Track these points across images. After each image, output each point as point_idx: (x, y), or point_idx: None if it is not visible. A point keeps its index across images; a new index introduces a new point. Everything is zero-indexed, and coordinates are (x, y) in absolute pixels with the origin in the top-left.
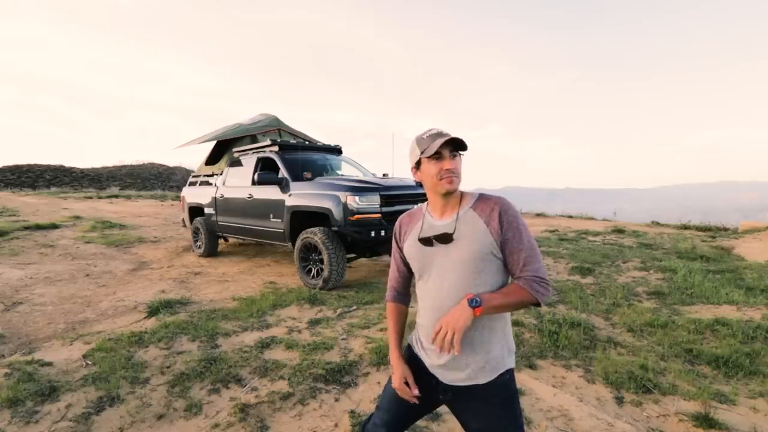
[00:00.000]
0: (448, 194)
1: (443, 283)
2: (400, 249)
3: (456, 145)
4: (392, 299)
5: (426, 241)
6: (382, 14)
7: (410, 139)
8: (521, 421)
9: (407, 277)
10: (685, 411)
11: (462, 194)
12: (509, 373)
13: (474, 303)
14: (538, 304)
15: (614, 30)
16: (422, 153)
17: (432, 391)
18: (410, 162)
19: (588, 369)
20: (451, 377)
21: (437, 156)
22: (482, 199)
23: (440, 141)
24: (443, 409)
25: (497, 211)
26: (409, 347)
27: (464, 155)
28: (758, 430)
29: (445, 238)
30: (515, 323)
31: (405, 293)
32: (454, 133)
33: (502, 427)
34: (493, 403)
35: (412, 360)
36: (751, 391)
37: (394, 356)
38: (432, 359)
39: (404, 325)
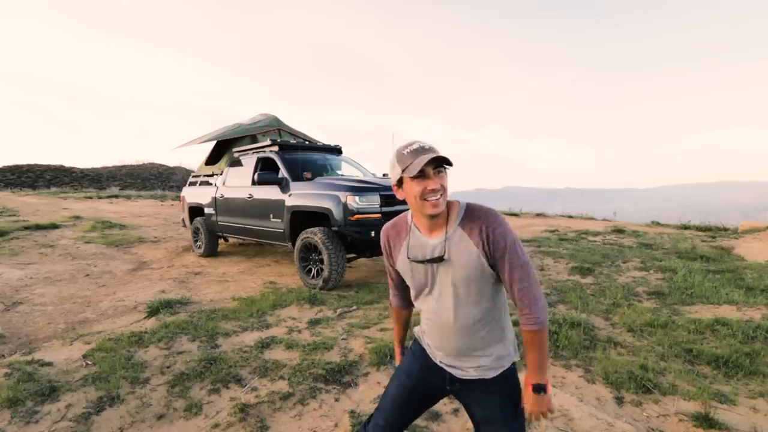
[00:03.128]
0: (433, 217)
1: (441, 300)
2: (393, 262)
3: (440, 161)
4: (396, 305)
5: (417, 261)
6: (382, 14)
7: (410, 139)
8: (522, 407)
9: (405, 285)
10: (685, 411)
11: (449, 205)
12: (513, 364)
13: (541, 390)
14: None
15: (614, 30)
16: (404, 171)
17: (441, 382)
18: (391, 178)
19: (588, 369)
20: (460, 373)
21: (420, 175)
22: (470, 214)
23: (423, 159)
24: (443, 408)
25: (485, 230)
26: (417, 341)
27: (450, 169)
28: (758, 430)
29: (437, 261)
30: (515, 323)
31: (406, 297)
32: (439, 149)
33: (507, 416)
34: (497, 392)
35: (419, 352)
36: (751, 391)
37: (397, 353)
38: (439, 358)
39: (408, 326)
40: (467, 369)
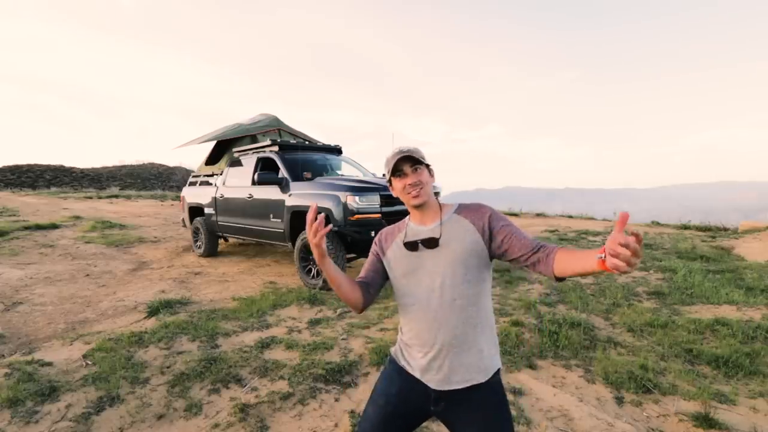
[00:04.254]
0: (418, 207)
1: (433, 284)
2: (382, 254)
3: (411, 159)
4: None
5: (411, 246)
6: (382, 14)
7: (410, 139)
8: (511, 418)
9: (375, 283)
10: (685, 411)
11: (441, 206)
12: (499, 372)
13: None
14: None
15: (613, 30)
16: (388, 172)
17: (423, 403)
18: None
19: (588, 369)
20: (445, 383)
21: (399, 173)
22: (465, 206)
23: (395, 159)
24: None
25: (480, 212)
26: (393, 361)
27: (430, 164)
28: (758, 430)
29: (432, 243)
30: (515, 323)
31: (367, 289)
32: (420, 150)
33: (498, 429)
34: (487, 406)
35: (397, 374)
36: (751, 391)
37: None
38: (425, 365)
39: (349, 286)
40: (456, 372)
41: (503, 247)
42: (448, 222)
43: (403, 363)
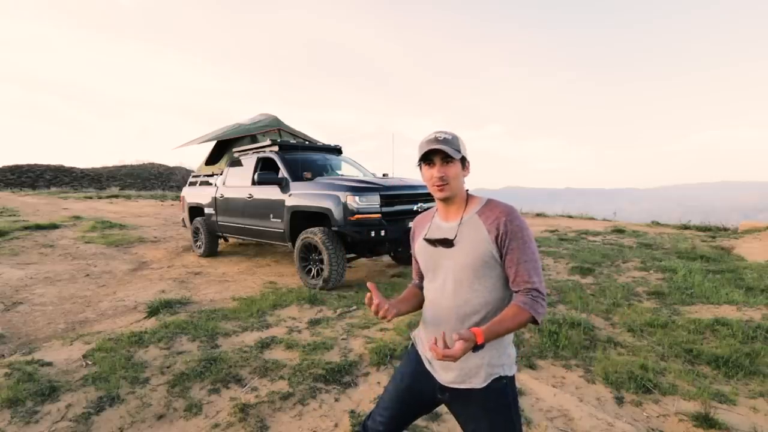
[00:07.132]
0: (443, 200)
1: (445, 284)
2: (413, 247)
3: (440, 152)
4: (413, 285)
5: (431, 242)
6: (383, 14)
7: (410, 140)
8: (519, 428)
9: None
10: (685, 411)
11: (469, 198)
12: (507, 379)
13: (478, 349)
14: (535, 323)
15: (614, 30)
16: (418, 157)
17: (432, 388)
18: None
19: (588, 369)
20: (444, 377)
21: (429, 162)
22: (489, 205)
23: (426, 148)
24: (443, 408)
25: (503, 220)
26: (413, 344)
27: (466, 156)
28: (758, 430)
29: (446, 243)
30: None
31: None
32: (442, 143)
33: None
34: (487, 409)
35: (414, 356)
36: (751, 391)
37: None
38: (428, 354)
39: (413, 299)
40: (452, 371)
41: (506, 266)
42: (467, 223)
43: (418, 347)
